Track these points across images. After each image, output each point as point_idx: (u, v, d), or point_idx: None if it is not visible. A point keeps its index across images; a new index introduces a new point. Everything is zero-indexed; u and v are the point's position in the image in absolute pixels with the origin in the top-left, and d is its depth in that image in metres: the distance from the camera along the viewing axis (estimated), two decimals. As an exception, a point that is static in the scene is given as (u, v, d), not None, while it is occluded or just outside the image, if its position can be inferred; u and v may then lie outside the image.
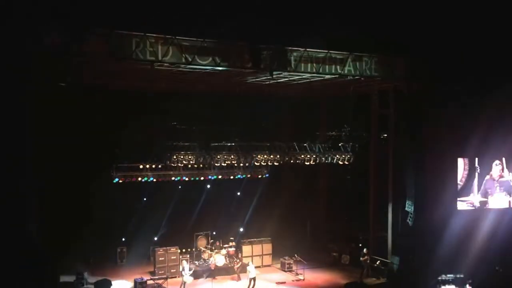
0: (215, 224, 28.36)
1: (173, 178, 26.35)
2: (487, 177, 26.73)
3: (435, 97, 24.82)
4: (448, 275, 23.56)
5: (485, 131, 25.53)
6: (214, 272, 25.13)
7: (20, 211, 19.39)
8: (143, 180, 25.60)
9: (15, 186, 19.07)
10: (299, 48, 21.30)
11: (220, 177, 27.40)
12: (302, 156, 25.89)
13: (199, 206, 28.77)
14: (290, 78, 23.59)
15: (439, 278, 23.50)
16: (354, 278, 24.88)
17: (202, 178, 27.24)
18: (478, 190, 26.58)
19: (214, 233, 27.76)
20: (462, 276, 23.55)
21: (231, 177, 27.73)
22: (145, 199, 27.77)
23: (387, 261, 25.88)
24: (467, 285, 23.48)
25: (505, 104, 25.54)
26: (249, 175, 28.21)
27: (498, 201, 26.99)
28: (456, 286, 23.37)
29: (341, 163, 26.62)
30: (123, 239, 27.12)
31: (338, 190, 31.20)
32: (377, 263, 25.88)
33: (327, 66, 22.14)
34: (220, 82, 24.11)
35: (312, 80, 23.83)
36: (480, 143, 25.75)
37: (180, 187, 27.77)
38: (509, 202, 27.11)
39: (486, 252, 25.09)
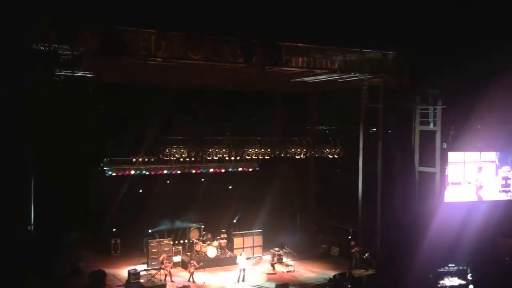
0: (207, 216, 28.66)
1: (165, 172, 26.58)
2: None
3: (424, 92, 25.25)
4: (450, 265, 23.80)
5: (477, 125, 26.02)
6: (206, 264, 25.48)
7: (16, 204, 19.62)
8: (136, 173, 25.85)
9: (11, 179, 19.28)
10: (290, 43, 21.56)
11: (211, 170, 27.68)
12: (293, 149, 26.26)
13: (192, 199, 29.08)
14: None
15: (440, 269, 23.73)
16: (343, 269, 25.25)
17: (194, 171, 27.49)
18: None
19: (202, 226, 28.00)
20: (464, 267, 23.83)
21: (223, 170, 28.00)
22: (140, 191, 27.98)
23: (376, 252, 26.33)
24: (469, 276, 23.76)
25: (495, 99, 25.97)
26: (240, 169, 28.51)
27: (492, 193, 27.53)
28: (458, 277, 23.66)
29: (330, 156, 27.01)
30: (114, 230, 27.42)
31: (327, 183, 31.55)
32: (366, 254, 26.32)
33: (317, 61, 22.45)
34: (214, 77, 24.35)
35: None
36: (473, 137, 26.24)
37: (168, 182, 27.92)
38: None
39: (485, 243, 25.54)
